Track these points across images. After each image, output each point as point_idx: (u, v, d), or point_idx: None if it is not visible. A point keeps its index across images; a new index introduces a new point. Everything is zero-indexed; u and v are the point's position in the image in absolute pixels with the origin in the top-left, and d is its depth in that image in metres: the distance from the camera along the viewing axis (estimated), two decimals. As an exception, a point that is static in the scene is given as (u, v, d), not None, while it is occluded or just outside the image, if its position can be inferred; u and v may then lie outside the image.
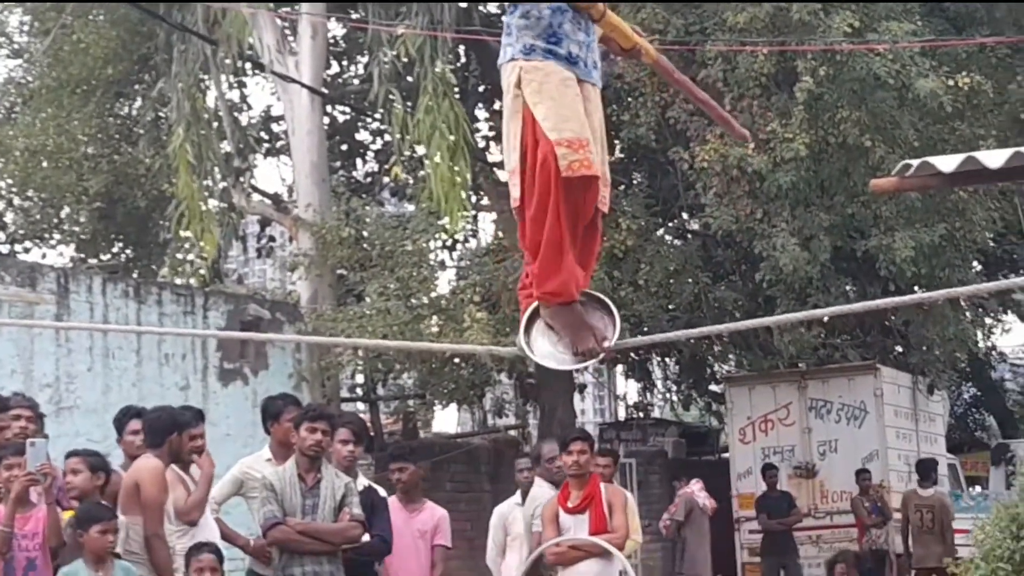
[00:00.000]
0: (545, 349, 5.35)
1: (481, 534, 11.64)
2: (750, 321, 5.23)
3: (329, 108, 24.60)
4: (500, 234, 21.53)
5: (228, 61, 20.83)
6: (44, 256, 24.86)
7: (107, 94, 24.10)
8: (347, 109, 25.96)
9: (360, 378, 22.90)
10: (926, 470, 18.38)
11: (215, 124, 21.34)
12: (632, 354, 25.48)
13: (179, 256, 23.00)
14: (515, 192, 5.26)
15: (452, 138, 18.13)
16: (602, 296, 5.55)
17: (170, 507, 8.41)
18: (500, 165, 24.61)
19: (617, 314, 5.42)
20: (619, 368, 28.80)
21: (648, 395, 30.75)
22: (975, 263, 21.26)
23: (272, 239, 28.33)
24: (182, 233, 21.33)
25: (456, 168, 18.27)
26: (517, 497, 11.23)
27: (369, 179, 26.53)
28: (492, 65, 21.02)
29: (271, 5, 21.50)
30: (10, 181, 24.34)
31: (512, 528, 11.00)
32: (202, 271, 22.68)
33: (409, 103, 19.44)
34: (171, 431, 8.50)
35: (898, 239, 17.51)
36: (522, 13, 5.26)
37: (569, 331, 5.30)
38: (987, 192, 18.26)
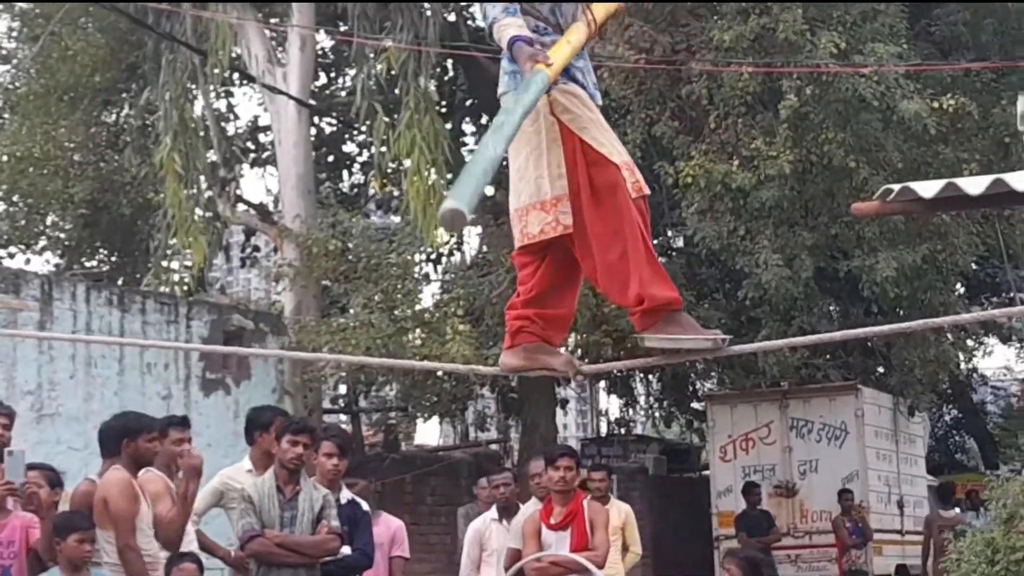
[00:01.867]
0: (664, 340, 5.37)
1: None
2: (739, 347, 5.32)
3: (316, 119, 24.63)
4: (484, 248, 21.57)
5: (216, 71, 20.85)
6: (28, 262, 24.88)
7: (94, 102, 24.14)
8: (334, 121, 25.99)
9: (343, 388, 22.91)
10: (947, 493, 18.79)
11: (202, 134, 21.37)
12: (615, 370, 25.52)
13: (163, 265, 23.01)
14: (567, 220, 5.29)
15: (431, 155, 18.17)
16: None
17: (147, 516, 8.37)
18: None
19: None
20: (601, 384, 28.81)
21: (630, 411, 30.80)
22: (958, 286, 21.32)
23: (256, 249, 28.36)
24: (170, 242, 21.35)
25: (434, 183, 18.32)
26: (493, 512, 11.24)
27: (355, 191, 26.56)
28: (480, 80, 21.08)
29: (260, 16, 21.55)
30: (-5, 186, 24.36)
31: (488, 544, 11.02)
32: (186, 280, 22.68)
33: (396, 116, 19.48)
34: (122, 437, 8.40)
35: (881, 260, 17.56)
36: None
37: (687, 332, 5.33)
38: (969, 216, 18.33)
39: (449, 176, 18.81)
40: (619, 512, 12.61)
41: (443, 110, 23.05)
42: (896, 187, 10.64)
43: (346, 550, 8.76)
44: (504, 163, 4.87)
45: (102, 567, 8.05)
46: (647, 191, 5.32)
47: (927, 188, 10.46)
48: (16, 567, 8.07)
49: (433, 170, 18.59)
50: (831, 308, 20.97)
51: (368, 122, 19.95)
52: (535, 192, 5.33)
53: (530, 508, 10.37)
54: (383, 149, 19.56)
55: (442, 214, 4.29)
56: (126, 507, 8.12)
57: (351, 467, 10.47)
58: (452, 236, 21.32)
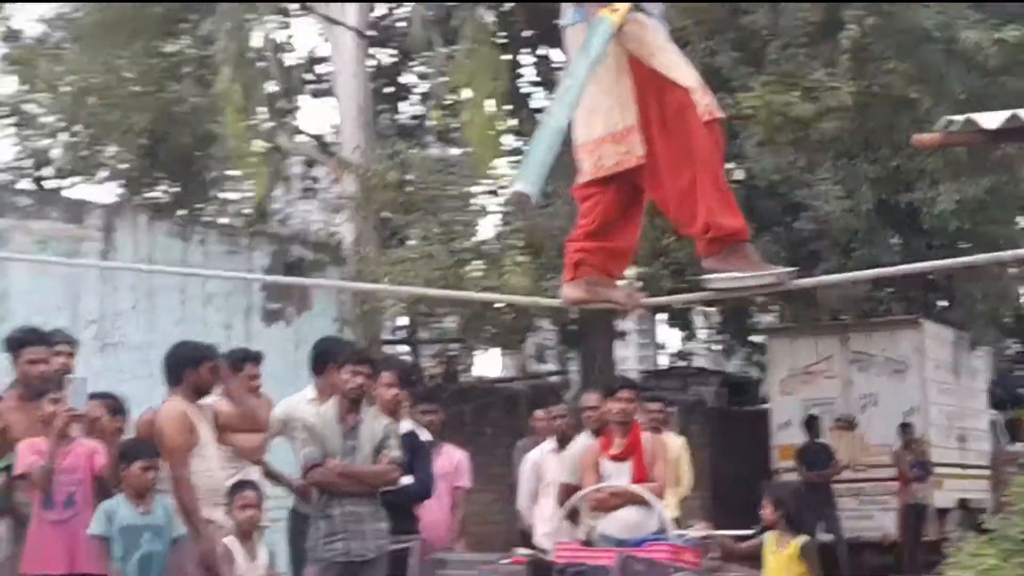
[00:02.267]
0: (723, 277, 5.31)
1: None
2: (802, 280, 5.27)
3: (374, 50, 24.56)
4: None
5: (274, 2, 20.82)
6: (90, 193, 24.99)
7: (154, 32, 24.13)
8: (393, 51, 25.91)
9: (403, 320, 22.96)
10: (1015, 429, 18.72)
11: (261, 64, 21.38)
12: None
13: (225, 196, 23.07)
14: (639, 151, 5.24)
15: (490, 87, 18.10)
16: None
17: (210, 441, 8.44)
18: (543, 111, 24.58)
19: None
20: (661, 316, 28.74)
21: (689, 344, 30.73)
22: (1020, 219, 21.11)
23: (315, 180, 28.37)
24: (229, 173, 21.39)
25: (493, 115, 18.26)
26: (550, 443, 11.27)
27: (415, 122, 26.50)
28: (539, 10, 20.96)
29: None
30: (57, 117, 24.42)
31: (545, 475, 11.06)
32: (247, 211, 22.74)
33: (454, 46, 19.42)
34: (185, 367, 8.51)
35: (943, 192, 17.41)
36: None
37: (750, 267, 5.28)
38: (1034, 147, 18.12)
39: (508, 108, 18.74)
40: (672, 446, 12.64)
41: (502, 41, 22.94)
42: (959, 119, 10.54)
43: (406, 480, 8.82)
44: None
45: (165, 495, 8.15)
46: (720, 115, 5.23)
47: (990, 119, 10.34)
48: (80, 493, 8.17)
49: (492, 101, 18.53)
50: (892, 240, 20.82)
51: (426, 53, 19.89)
52: (608, 124, 5.28)
53: (583, 441, 10.39)
54: (441, 80, 19.50)
55: (509, 197, 4.29)
56: (180, 440, 8.21)
57: (424, 397, 10.53)
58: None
